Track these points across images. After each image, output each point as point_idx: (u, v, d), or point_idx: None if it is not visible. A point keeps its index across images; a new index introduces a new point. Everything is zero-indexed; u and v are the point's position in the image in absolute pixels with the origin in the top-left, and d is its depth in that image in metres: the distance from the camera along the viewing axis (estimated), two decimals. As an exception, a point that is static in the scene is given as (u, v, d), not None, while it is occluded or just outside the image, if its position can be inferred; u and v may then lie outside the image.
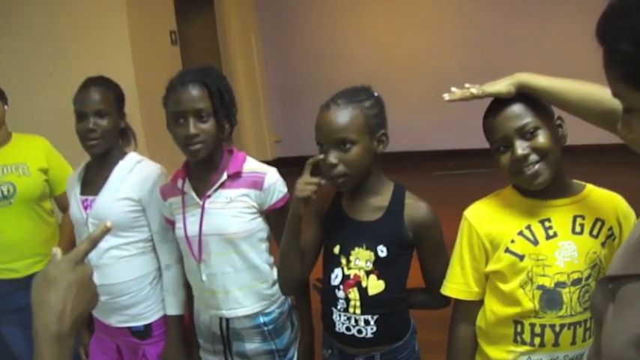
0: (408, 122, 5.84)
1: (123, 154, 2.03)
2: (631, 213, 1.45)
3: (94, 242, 1.01)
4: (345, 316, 1.62)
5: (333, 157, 1.54)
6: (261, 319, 1.82)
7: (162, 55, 5.41)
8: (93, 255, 1.93)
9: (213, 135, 1.72)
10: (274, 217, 1.80)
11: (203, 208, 1.77)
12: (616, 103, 1.16)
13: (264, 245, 1.84)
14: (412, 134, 6.39)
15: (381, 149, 1.60)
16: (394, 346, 1.65)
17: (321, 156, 1.56)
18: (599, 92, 1.31)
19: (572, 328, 1.40)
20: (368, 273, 1.60)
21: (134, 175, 1.98)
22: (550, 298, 1.39)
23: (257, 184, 1.75)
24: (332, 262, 1.66)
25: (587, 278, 1.40)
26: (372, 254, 1.59)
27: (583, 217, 1.42)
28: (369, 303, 1.60)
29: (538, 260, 1.41)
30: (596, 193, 1.46)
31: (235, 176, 1.76)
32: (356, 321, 1.61)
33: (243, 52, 7.01)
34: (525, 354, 1.45)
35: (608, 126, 1.29)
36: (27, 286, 2.50)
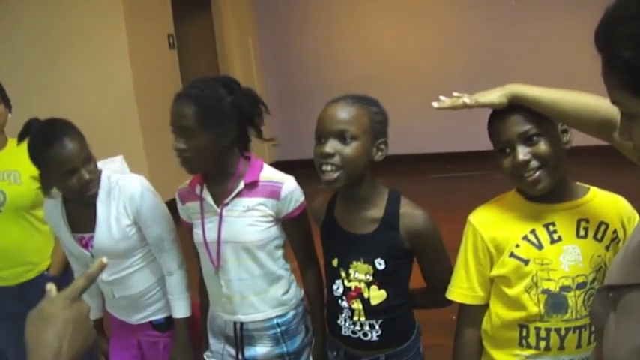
0: (407, 125, 5.85)
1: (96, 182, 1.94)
2: (635, 215, 1.46)
3: (91, 279, 0.99)
4: (350, 321, 1.64)
5: (329, 147, 1.52)
6: (275, 321, 1.82)
7: (160, 59, 5.42)
8: (106, 277, 1.94)
9: (201, 151, 1.68)
10: (291, 225, 1.79)
11: (221, 216, 1.77)
12: (611, 113, 1.19)
13: (280, 252, 1.83)
14: (411, 137, 6.40)
15: (379, 157, 1.59)
16: (399, 348, 1.66)
17: None
18: (594, 102, 1.31)
19: (577, 331, 1.40)
20: (369, 284, 1.60)
21: (118, 199, 1.93)
22: (555, 302, 1.39)
23: (274, 193, 1.74)
24: (332, 274, 1.66)
25: (592, 282, 1.40)
26: (370, 267, 1.59)
27: (587, 221, 1.42)
28: (372, 311, 1.61)
29: (543, 264, 1.41)
30: (599, 197, 1.46)
31: (252, 185, 1.75)
32: (361, 325, 1.63)
33: (241, 56, 7.01)
34: (531, 357, 1.45)
35: (603, 135, 1.29)
36: (18, 293, 2.46)
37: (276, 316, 1.82)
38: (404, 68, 6.89)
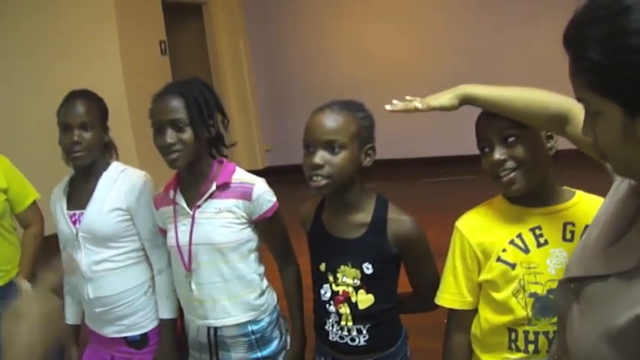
0: (397, 129, 5.85)
1: (106, 165, 2.03)
2: None
3: (58, 273, 1.07)
4: (337, 326, 1.64)
5: (319, 158, 1.53)
6: (249, 328, 1.83)
7: (152, 65, 5.41)
8: (86, 268, 1.95)
9: (191, 144, 1.73)
10: (264, 225, 1.82)
11: (193, 218, 1.79)
12: (562, 107, 1.29)
13: (254, 255, 1.85)
14: (401, 141, 6.42)
15: (367, 163, 1.60)
16: (386, 353, 1.66)
17: None
18: (545, 98, 1.35)
19: None
20: (356, 288, 1.61)
21: (120, 184, 1.98)
22: (542, 306, 1.40)
23: (246, 194, 1.77)
24: (320, 279, 1.67)
25: None
26: (357, 272, 1.60)
27: (573, 224, 1.43)
28: (360, 316, 1.62)
29: (529, 268, 1.41)
30: (585, 200, 1.47)
31: (224, 187, 1.78)
32: (348, 331, 1.63)
33: (233, 62, 7.02)
34: (520, 361, 1.45)
35: (556, 130, 1.35)
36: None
37: (249, 322, 1.82)
38: (395, 72, 6.89)
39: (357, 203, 1.63)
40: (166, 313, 1.98)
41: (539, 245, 1.42)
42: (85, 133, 1.94)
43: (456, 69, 6.22)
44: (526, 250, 1.42)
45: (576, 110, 1.24)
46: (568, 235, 1.42)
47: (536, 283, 1.40)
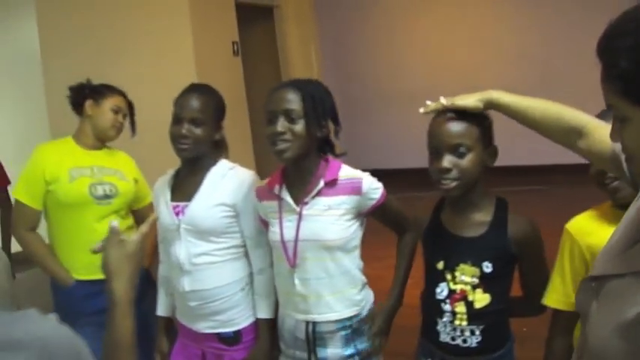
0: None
1: (214, 162, 2.03)
2: None
3: (149, 225, 1.43)
4: (450, 326, 1.65)
5: (447, 162, 1.58)
6: (347, 322, 1.83)
7: (225, 65, 5.45)
8: (185, 260, 1.96)
9: (302, 137, 1.74)
10: (379, 212, 1.84)
11: (300, 214, 1.79)
12: (576, 121, 1.37)
13: (357, 252, 1.86)
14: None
15: (491, 162, 1.65)
16: (495, 355, 1.67)
17: None
18: (562, 111, 1.42)
19: None
20: (474, 287, 1.62)
21: (228, 180, 1.99)
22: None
23: (356, 189, 1.78)
24: (436, 277, 1.68)
25: None
26: (477, 270, 1.62)
27: None
28: (475, 315, 1.62)
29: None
30: None
31: (332, 183, 1.79)
32: (462, 331, 1.64)
33: (303, 64, 7.06)
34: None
35: (568, 144, 1.40)
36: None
37: (348, 317, 1.83)
38: (464, 80, 6.77)
39: (478, 203, 1.67)
40: (265, 313, 1.97)
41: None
42: (195, 129, 1.94)
43: (525, 78, 6.09)
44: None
45: (590, 125, 1.33)
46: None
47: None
